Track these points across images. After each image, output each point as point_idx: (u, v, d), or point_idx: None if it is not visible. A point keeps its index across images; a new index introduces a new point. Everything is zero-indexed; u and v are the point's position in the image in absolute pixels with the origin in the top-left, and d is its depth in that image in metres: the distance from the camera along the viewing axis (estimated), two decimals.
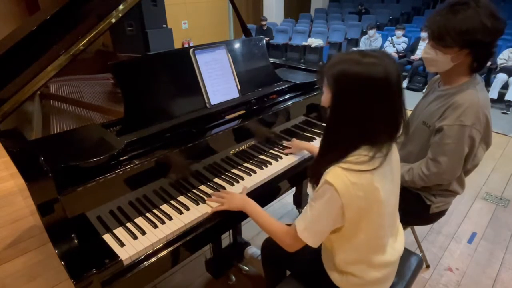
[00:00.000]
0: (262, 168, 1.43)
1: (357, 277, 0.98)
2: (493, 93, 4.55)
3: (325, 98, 0.90)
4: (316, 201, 0.90)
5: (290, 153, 1.54)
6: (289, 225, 1.01)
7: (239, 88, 1.53)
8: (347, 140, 0.88)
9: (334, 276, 1.03)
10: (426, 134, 1.37)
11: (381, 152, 0.86)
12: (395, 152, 0.97)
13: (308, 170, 1.00)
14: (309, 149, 1.52)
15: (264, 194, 1.37)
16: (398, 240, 1.06)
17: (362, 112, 0.84)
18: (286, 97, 1.66)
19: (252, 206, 1.13)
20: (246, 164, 1.46)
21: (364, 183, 0.84)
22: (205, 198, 1.23)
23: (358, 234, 0.92)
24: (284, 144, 1.60)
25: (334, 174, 0.85)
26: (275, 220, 1.07)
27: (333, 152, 0.89)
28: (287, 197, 2.49)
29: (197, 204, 1.21)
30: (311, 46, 6.85)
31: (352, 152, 0.87)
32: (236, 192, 1.24)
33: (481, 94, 1.24)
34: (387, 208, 0.92)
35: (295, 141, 1.56)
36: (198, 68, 1.41)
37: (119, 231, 1.08)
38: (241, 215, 1.21)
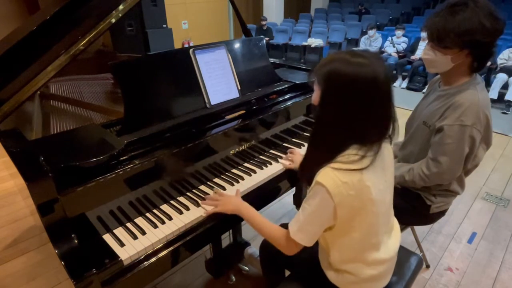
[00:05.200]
0: (262, 168, 1.43)
1: (352, 275, 0.99)
2: (493, 93, 4.55)
3: (315, 96, 0.90)
4: (309, 202, 0.90)
5: (290, 162, 1.44)
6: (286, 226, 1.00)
7: (239, 88, 1.53)
8: (335, 139, 0.88)
9: (331, 275, 1.04)
10: (426, 134, 1.37)
11: (371, 151, 0.86)
12: (388, 152, 0.97)
13: (299, 171, 0.99)
14: None
15: (264, 194, 1.37)
16: (393, 237, 1.06)
17: (349, 111, 0.84)
18: (286, 97, 1.66)
19: (247, 209, 1.12)
20: (246, 164, 1.46)
21: (355, 182, 0.84)
22: (200, 201, 1.21)
23: (351, 233, 0.93)
24: (287, 152, 1.52)
25: (325, 175, 0.85)
26: (271, 223, 1.05)
27: (321, 152, 0.90)
28: (287, 197, 2.49)
29: (197, 204, 1.21)
30: (311, 46, 6.85)
31: (342, 152, 0.87)
32: (231, 195, 1.23)
33: (481, 94, 1.24)
34: (381, 206, 0.92)
35: (296, 152, 1.48)
36: (198, 68, 1.41)
37: (119, 231, 1.08)
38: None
